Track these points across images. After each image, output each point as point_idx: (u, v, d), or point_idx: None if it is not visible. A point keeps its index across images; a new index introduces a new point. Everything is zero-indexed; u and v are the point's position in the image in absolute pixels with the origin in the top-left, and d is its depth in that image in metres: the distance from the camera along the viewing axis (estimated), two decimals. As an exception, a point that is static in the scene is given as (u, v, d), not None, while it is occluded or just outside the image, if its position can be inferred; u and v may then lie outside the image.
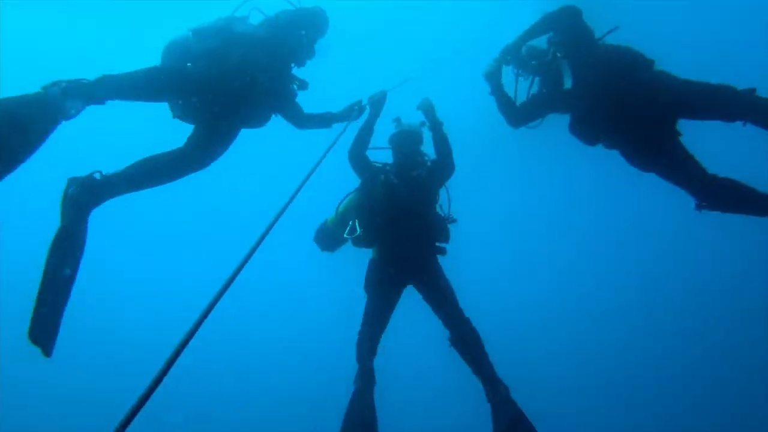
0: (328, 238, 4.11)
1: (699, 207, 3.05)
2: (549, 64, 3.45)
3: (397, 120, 4.06)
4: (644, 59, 3.20)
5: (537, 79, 3.60)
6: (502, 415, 3.14)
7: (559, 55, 3.38)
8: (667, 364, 12.69)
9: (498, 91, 3.64)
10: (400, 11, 15.04)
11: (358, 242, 3.77)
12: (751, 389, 11.32)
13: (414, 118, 4.08)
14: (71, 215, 2.53)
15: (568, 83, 3.26)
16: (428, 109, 3.98)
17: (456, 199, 4.06)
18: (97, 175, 2.63)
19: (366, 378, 3.47)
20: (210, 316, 1.38)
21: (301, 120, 3.59)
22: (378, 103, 3.92)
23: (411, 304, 3.83)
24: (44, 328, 2.46)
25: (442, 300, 3.60)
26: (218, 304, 1.42)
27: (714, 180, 2.99)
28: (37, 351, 2.43)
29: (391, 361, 3.87)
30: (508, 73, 3.68)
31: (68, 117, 2.45)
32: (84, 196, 2.55)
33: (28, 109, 2.31)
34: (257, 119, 3.27)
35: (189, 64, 2.95)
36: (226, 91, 2.96)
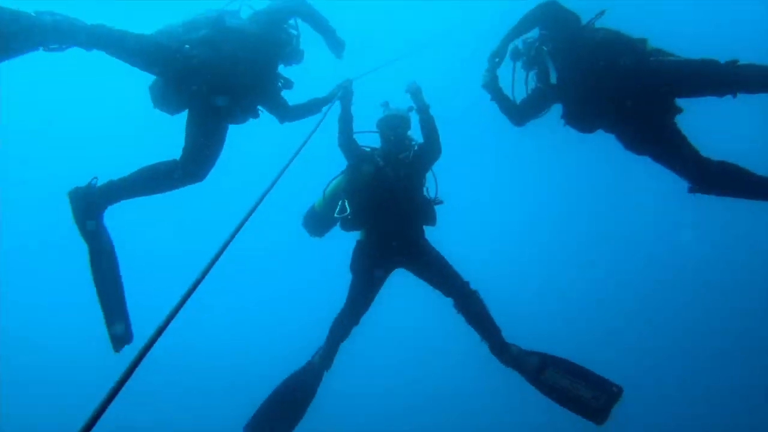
0: (317, 221, 4.10)
1: (692, 190, 3.04)
2: (534, 58, 3.48)
3: (385, 104, 4.06)
4: (631, 43, 3.14)
5: (532, 73, 3.60)
6: (529, 366, 3.28)
7: (545, 48, 3.40)
8: (666, 363, 12.59)
9: (497, 97, 3.70)
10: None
11: (346, 225, 3.79)
12: (752, 390, 11.38)
13: (402, 101, 4.07)
14: (88, 232, 2.75)
15: (553, 77, 3.29)
16: (415, 92, 3.98)
17: (447, 182, 4.05)
18: (95, 182, 2.81)
19: (326, 357, 3.75)
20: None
21: (287, 112, 3.57)
22: (345, 92, 3.91)
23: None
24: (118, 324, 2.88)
25: (438, 270, 3.68)
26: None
27: (709, 163, 2.97)
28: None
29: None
30: (506, 74, 3.69)
31: (48, 49, 2.44)
32: (88, 204, 2.75)
33: (14, 24, 2.28)
34: (245, 113, 3.24)
35: (187, 46, 2.89)
36: (221, 80, 2.94)
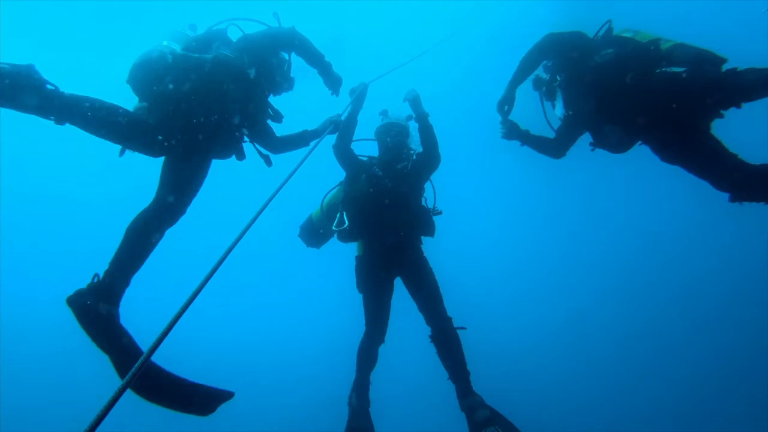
0: (314, 233, 4.06)
1: (734, 199, 2.82)
2: (554, 87, 3.39)
3: (384, 112, 4.03)
4: (644, 54, 2.95)
5: (556, 102, 3.47)
6: (477, 417, 3.19)
7: (558, 78, 3.32)
8: (666, 366, 12.72)
9: (527, 140, 3.61)
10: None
11: (344, 236, 3.74)
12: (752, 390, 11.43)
13: (401, 110, 4.06)
14: (107, 338, 2.28)
15: (565, 109, 3.24)
16: (414, 101, 3.92)
17: (450, 191, 4.08)
18: (96, 279, 2.38)
19: (361, 392, 3.59)
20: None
21: (277, 145, 3.38)
22: (359, 96, 3.85)
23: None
24: None
25: (428, 297, 3.59)
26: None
27: (752, 167, 2.76)
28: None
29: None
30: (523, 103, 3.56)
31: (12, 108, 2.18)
32: (102, 309, 2.28)
33: None
34: (229, 151, 3.00)
35: (170, 86, 2.62)
36: (199, 126, 2.67)
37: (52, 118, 2.24)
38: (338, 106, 3.85)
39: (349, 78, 3.77)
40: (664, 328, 13.60)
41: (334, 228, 3.70)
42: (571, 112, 3.36)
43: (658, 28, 3.15)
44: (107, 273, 2.43)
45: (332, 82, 3.49)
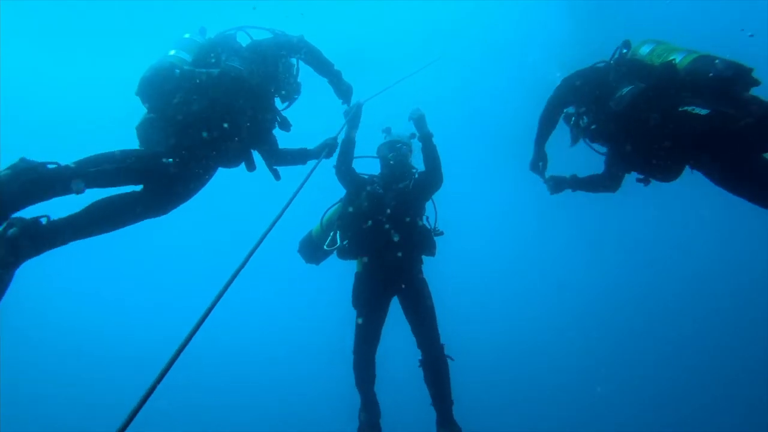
0: (314, 249, 4.01)
1: None
2: (581, 131, 3.25)
3: (387, 130, 4.00)
4: (663, 90, 2.75)
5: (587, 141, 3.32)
6: None
7: (585, 120, 3.18)
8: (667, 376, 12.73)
9: (578, 187, 3.52)
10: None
11: (343, 253, 3.71)
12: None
13: (404, 127, 4.03)
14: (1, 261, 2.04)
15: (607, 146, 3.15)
16: (419, 120, 3.89)
17: (448, 212, 4.00)
18: (44, 220, 2.18)
19: (370, 408, 3.59)
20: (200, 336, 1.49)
21: (276, 156, 3.33)
22: (354, 117, 3.81)
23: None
24: None
25: (423, 321, 3.56)
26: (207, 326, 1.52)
27: None
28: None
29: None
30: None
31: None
32: (24, 242, 2.08)
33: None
34: (238, 161, 3.01)
35: (177, 71, 2.62)
36: (208, 137, 2.67)
37: (74, 190, 2.21)
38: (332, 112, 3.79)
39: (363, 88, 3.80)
40: (665, 328, 13.67)
41: (325, 248, 3.68)
42: (610, 151, 3.27)
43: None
44: (54, 223, 2.23)
45: (342, 91, 3.48)
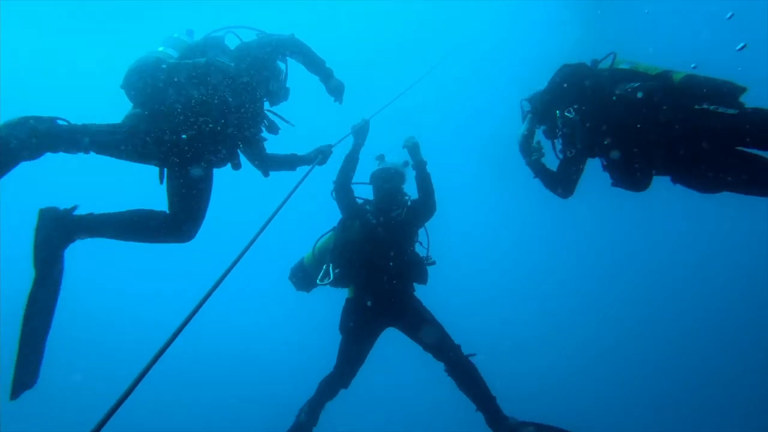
0: (305, 277, 3.92)
1: None
2: (558, 126, 3.12)
3: (381, 157, 3.96)
4: (669, 90, 2.70)
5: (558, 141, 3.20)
6: None
7: (568, 115, 3.02)
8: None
9: (542, 175, 3.28)
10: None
11: (335, 282, 3.66)
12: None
13: (398, 154, 4.00)
14: (44, 257, 2.34)
15: (580, 142, 2.99)
16: (413, 148, 3.87)
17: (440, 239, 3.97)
18: (73, 210, 2.45)
19: (312, 416, 3.58)
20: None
21: (264, 161, 3.23)
22: (360, 132, 3.77)
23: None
24: (27, 374, 2.37)
25: (430, 335, 3.50)
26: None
27: None
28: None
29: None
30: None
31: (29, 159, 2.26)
32: (54, 232, 2.36)
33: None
34: (225, 159, 2.92)
35: (164, 66, 2.59)
36: (195, 133, 2.62)
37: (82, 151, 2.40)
38: (340, 113, 3.69)
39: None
40: (665, 329, 13.70)
41: (318, 282, 3.62)
42: (578, 148, 3.08)
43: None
44: (91, 217, 2.49)
45: (334, 89, 3.32)
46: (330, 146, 3.53)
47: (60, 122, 2.36)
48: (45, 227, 2.36)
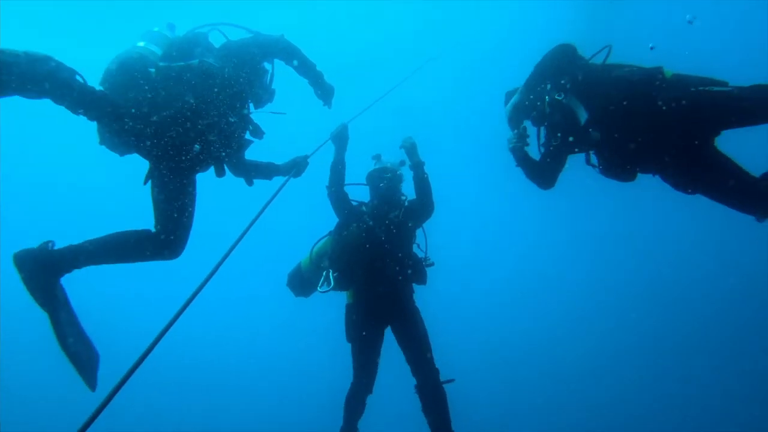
0: (303, 282, 3.90)
1: (763, 218, 2.59)
2: (550, 109, 2.99)
3: (377, 157, 3.94)
4: (649, 74, 2.70)
5: (543, 128, 3.12)
6: None
7: (557, 98, 2.91)
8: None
9: (524, 164, 3.17)
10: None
11: (335, 286, 3.61)
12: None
13: (395, 154, 3.96)
14: (40, 299, 2.32)
15: (582, 117, 2.85)
16: (410, 148, 3.83)
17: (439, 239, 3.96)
18: (50, 246, 2.39)
19: None
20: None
21: (242, 167, 3.09)
22: (339, 137, 3.70)
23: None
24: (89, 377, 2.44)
25: (416, 348, 3.54)
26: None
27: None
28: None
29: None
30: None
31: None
32: (40, 275, 2.32)
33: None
34: (208, 164, 2.83)
35: (152, 70, 2.49)
36: (177, 137, 2.51)
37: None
38: (333, 118, 3.64)
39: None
40: (665, 328, 13.63)
41: (318, 289, 3.59)
42: (562, 136, 2.96)
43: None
44: (70, 249, 2.42)
45: (323, 92, 3.21)
46: (306, 157, 3.36)
47: (78, 78, 2.24)
48: (26, 271, 2.32)
